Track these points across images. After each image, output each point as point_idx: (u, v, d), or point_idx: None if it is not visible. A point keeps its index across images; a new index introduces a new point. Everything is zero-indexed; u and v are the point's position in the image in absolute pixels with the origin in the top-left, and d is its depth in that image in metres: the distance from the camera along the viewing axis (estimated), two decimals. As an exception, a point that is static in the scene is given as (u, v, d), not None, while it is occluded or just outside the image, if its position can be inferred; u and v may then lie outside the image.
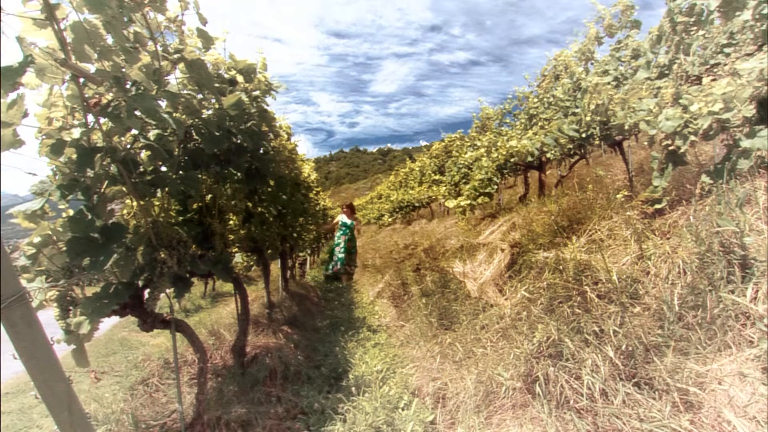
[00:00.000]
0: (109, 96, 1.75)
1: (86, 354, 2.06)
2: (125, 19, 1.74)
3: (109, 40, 1.72)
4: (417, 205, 14.27)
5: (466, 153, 7.75)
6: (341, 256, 8.76)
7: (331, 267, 8.90)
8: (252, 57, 2.96)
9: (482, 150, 6.91)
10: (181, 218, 2.72)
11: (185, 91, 2.26)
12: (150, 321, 2.25)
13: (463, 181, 7.91)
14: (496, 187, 6.87)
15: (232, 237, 3.50)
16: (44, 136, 1.88)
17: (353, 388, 3.26)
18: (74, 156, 1.74)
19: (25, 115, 1.54)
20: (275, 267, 6.37)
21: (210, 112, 2.48)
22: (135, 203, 2.12)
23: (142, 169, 1.99)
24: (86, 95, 1.72)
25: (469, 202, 6.69)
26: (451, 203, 7.09)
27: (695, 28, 3.73)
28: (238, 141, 2.76)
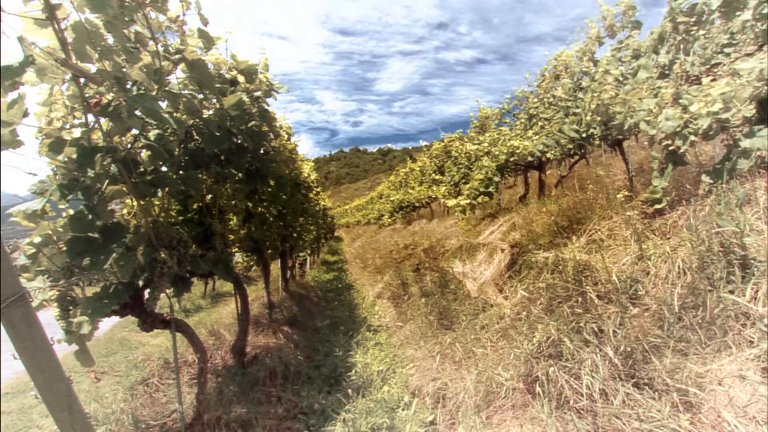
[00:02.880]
0: (110, 96, 1.75)
1: (90, 354, 2.06)
2: (126, 18, 1.74)
3: (110, 40, 1.72)
4: (417, 205, 14.28)
5: (467, 146, 7.73)
6: None
7: None
8: (255, 57, 2.97)
9: (485, 144, 6.89)
10: (181, 218, 2.72)
11: (186, 92, 2.25)
12: (150, 321, 2.25)
13: (463, 181, 7.91)
14: (496, 186, 6.87)
15: (232, 237, 3.51)
16: (44, 136, 1.88)
17: (353, 389, 3.26)
18: (74, 155, 1.74)
19: (26, 114, 1.54)
20: (275, 267, 6.37)
21: (211, 112, 2.48)
22: (135, 203, 2.12)
23: (142, 169, 1.99)
24: (87, 95, 1.72)
25: (469, 201, 6.68)
26: (451, 202, 7.09)
27: (696, 27, 3.73)
28: (239, 141, 2.76)
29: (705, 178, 3.12)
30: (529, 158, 6.70)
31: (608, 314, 2.58)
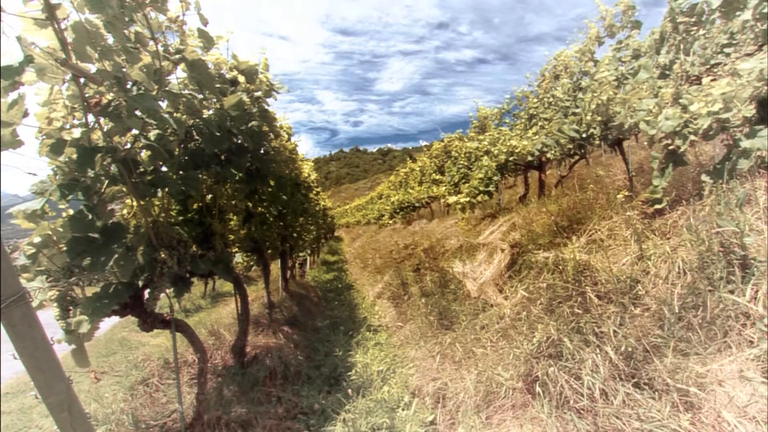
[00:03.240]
0: (110, 96, 1.75)
1: (86, 354, 2.06)
2: (126, 18, 1.74)
3: (110, 40, 1.72)
4: (417, 205, 14.29)
5: (467, 143, 7.74)
6: None
7: None
8: (255, 57, 2.97)
9: (485, 143, 6.91)
10: (181, 218, 2.72)
11: (186, 92, 2.25)
12: (150, 321, 2.25)
13: (463, 180, 7.92)
14: (496, 186, 6.88)
15: (232, 237, 3.51)
16: (44, 136, 1.88)
17: (353, 389, 3.26)
18: (74, 156, 1.74)
19: (26, 115, 1.54)
20: (275, 267, 6.37)
21: (211, 112, 2.48)
22: (135, 203, 2.12)
23: (142, 169, 1.99)
24: (87, 95, 1.72)
25: (468, 199, 6.69)
26: (451, 199, 7.11)
27: (696, 27, 3.73)
28: (239, 141, 2.76)
29: (705, 178, 3.12)
30: (529, 158, 6.70)
31: (608, 314, 2.58)
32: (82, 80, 1.68)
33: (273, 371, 3.59)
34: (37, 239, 1.87)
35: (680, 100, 3.26)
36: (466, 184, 7.06)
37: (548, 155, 6.37)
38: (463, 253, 5.54)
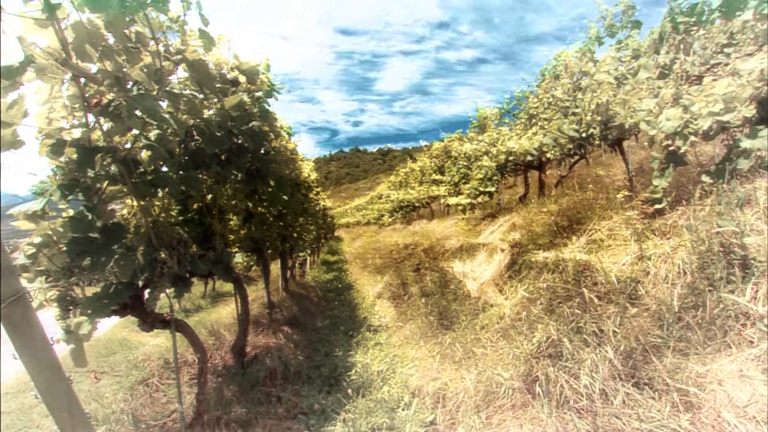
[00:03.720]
0: (110, 96, 1.75)
1: (85, 354, 2.06)
2: (127, 18, 1.73)
3: (111, 39, 1.72)
4: (417, 205, 14.30)
5: (465, 146, 7.76)
6: None
7: None
8: (256, 57, 2.97)
9: (483, 144, 6.93)
10: (181, 218, 2.72)
11: (187, 92, 2.25)
12: (150, 321, 2.25)
13: (463, 181, 7.92)
14: (495, 186, 6.89)
15: (232, 237, 3.51)
16: (44, 136, 1.88)
17: (353, 389, 3.26)
18: (74, 156, 1.74)
19: (26, 115, 1.54)
20: (275, 267, 6.37)
21: (212, 112, 2.48)
22: (135, 203, 2.12)
23: (142, 169, 1.99)
24: (87, 95, 1.72)
25: (469, 201, 6.70)
26: (452, 200, 7.13)
27: (696, 27, 3.73)
28: (239, 141, 2.76)
29: (705, 178, 3.12)
30: (528, 157, 6.71)
31: (608, 314, 2.58)
32: (82, 80, 1.69)
33: (273, 371, 3.59)
34: (37, 239, 1.87)
35: (681, 101, 3.26)
36: (466, 185, 7.07)
37: (548, 155, 6.38)
38: (463, 253, 5.54)
